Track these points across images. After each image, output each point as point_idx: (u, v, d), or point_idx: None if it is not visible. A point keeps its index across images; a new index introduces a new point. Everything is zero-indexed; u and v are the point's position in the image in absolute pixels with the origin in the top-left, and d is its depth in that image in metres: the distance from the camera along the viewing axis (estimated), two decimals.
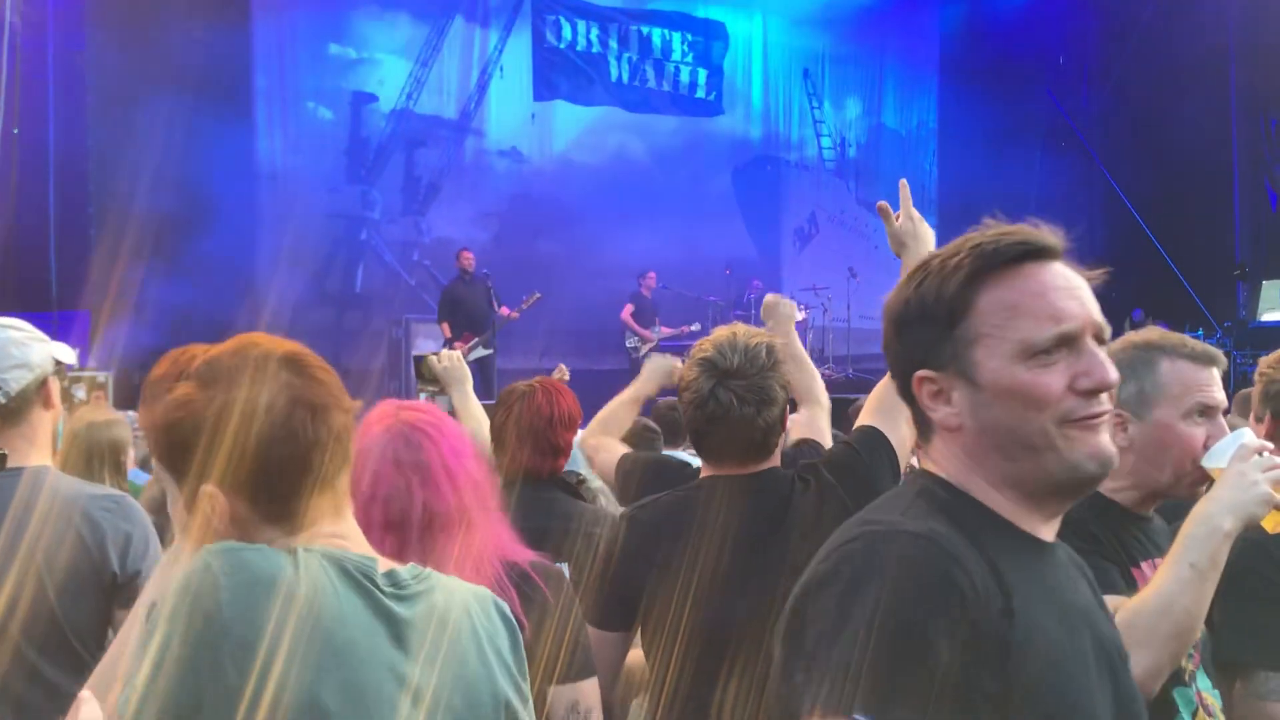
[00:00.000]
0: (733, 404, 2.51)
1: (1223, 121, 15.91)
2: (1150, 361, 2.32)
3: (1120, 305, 15.88)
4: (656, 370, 3.97)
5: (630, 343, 14.09)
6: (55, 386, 2.76)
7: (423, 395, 3.45)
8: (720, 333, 2.65)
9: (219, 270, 12.82)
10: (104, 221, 13.04)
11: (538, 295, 12.61)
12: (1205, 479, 2.23)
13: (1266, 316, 15.84)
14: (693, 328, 14.33)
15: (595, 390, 4.85)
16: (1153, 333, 2.39)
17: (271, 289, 14.52)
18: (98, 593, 2.58)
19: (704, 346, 2.62)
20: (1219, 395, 2.34)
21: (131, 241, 12.63)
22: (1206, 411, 2.30)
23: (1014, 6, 17.06)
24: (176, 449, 1.55)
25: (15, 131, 11.82)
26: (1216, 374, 2.36)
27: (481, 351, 12.45)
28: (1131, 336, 2.38)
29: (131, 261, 12.50)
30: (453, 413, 3.56)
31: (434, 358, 3.44)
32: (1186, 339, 2.39)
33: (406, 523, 1.98)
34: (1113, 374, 1.45)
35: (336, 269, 15.28)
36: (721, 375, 2.54)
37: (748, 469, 2.58)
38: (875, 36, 17.04)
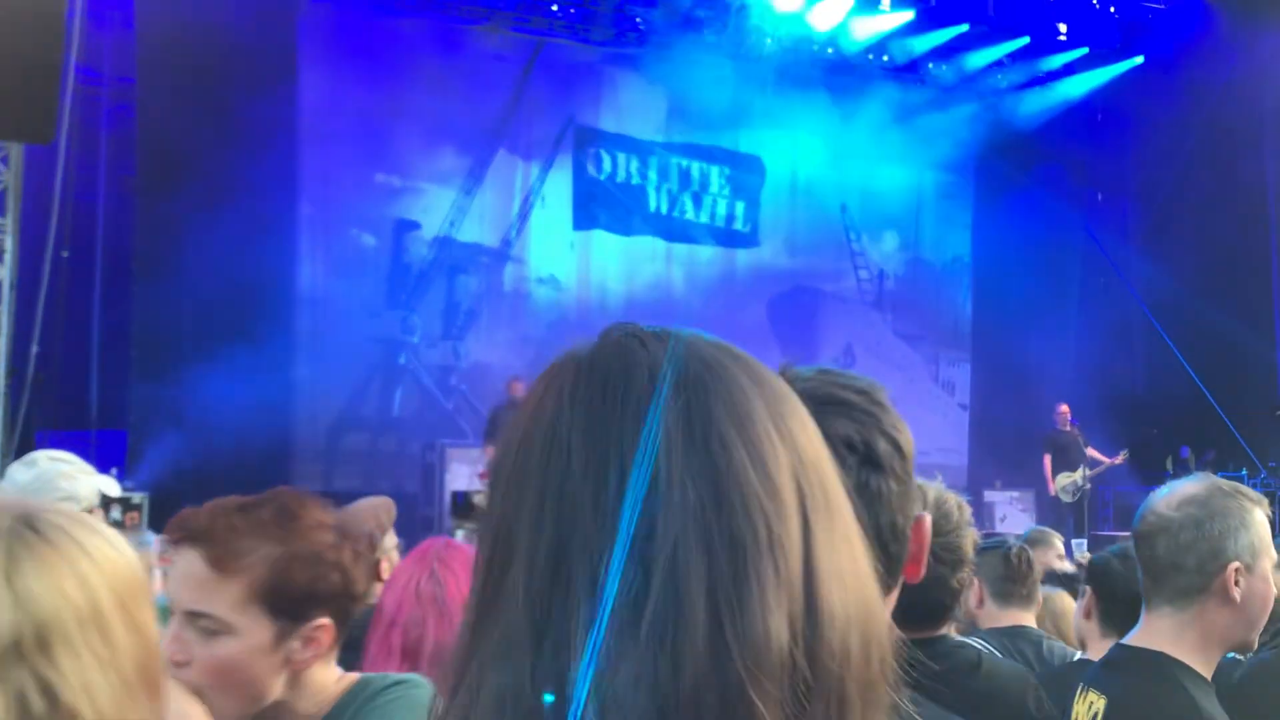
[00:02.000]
0: (930, 564, 2.23)
1: (1264, 259, 15.89)
2: (1251, 513, 2.21)
3: (1165, 444, 15.74)
4: None
5: None
6: (98, 519, 2.76)
7: (459, 533, 3.41)
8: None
9: (257, 392, 12.91)
10: (145, 343, 13.22)
11: None
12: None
13: None
14: None
15: None
16: (1216, 480, 2.29)
17: (309, 412, 14.62)
18: None
19: None
20: None
21: (172, 362, 12.80)
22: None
23: (1051, 145, 17.22)
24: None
25: (65, 254, 12.06)
26: None
27: None
28: (1212, 485, 2.26)
29: (171, 382, 12.64)
30: None
31: (480, 498, 3.43)
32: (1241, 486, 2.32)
33: (419, 652, 1.98)
34: None
35: (374, 392, 15.38)
36: None
37: (924, 633, 2.33)
38: (913, 170, 17.21)
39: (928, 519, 1.26)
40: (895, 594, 1.25)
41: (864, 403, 1.23)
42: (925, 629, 2.33)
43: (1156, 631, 2.22)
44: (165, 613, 4.33)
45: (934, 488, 2.39)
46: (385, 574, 3.07)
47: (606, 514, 0.74)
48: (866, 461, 1.20)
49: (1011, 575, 3.71)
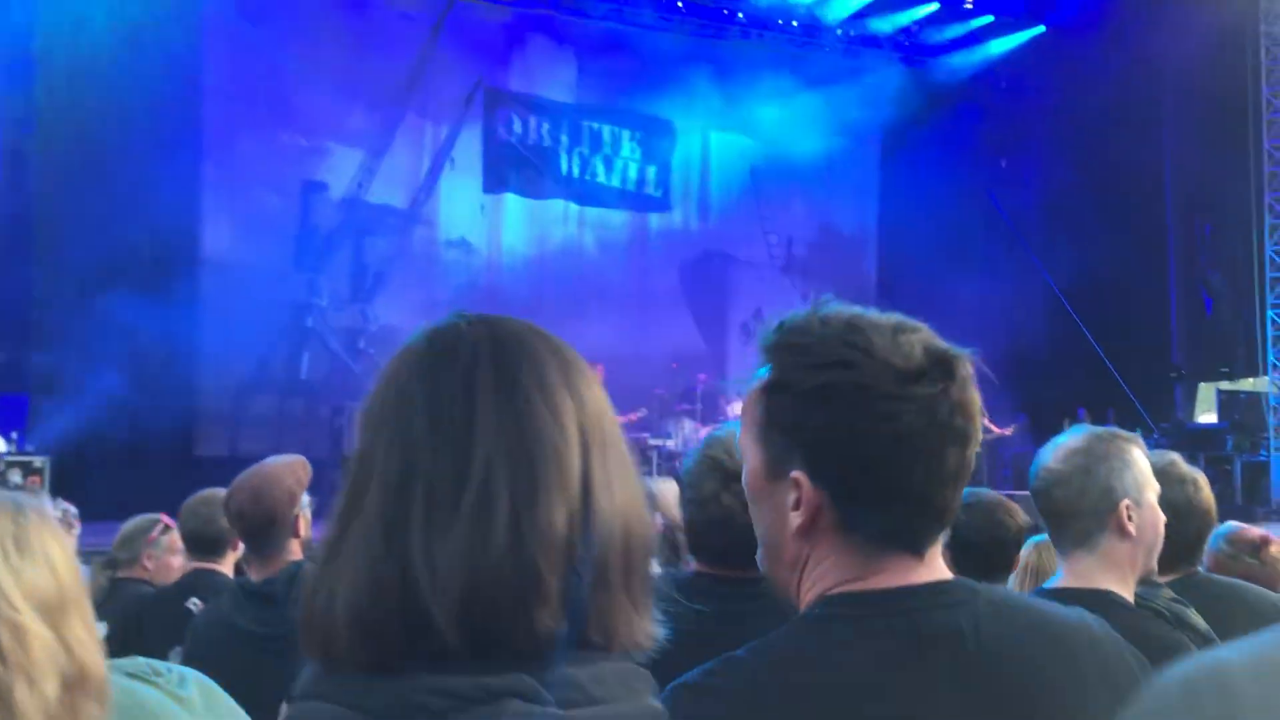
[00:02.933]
0: (735, 510, 2.22)
1: (1159, 228, 16.32)
2: (1129, 452, 2.44)
3: (1063, 406, 16.13)
4: None
5: None
6: None
7: None
8: (730, 429, 2.36)
9: (161, 356, 12.72)
10: (47, 307, 12.94)
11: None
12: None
13: (1203, 418, 16.12)
14: (639, 414, 14.38)
15: None
16: (1096, 428, 2.52)
17: (215, 376, 14.42)
18: None
19: (714, 445, 2.41)
20: None
21: (73, 326, 12.54)
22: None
23: (956, 112, 17.48)
24: None
25: None
26: None
27: None
28: (1093, 435, 2.47)
29: (73, 346, 12.39)
30: None
31: None
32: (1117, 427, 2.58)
33: None
34: None
35: (280, 356, 15.19)
36: (727, 477, 2.31)
37: (747, 573, 2.29)
38: (820, 137, 17.36)
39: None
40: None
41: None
42: (749, 569, 2.38)
43: (1077, 574, 2.42)
44: None
45: None
46: (303, 531, 3.07)
47: (440, 447, 1.04)
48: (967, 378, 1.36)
49: None
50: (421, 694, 0.97)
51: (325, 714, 1.00)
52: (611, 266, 16.76)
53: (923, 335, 1.36)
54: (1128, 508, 2.37)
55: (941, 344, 1.36)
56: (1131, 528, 2.37)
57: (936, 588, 1.32)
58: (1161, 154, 16.34)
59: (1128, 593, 2.41)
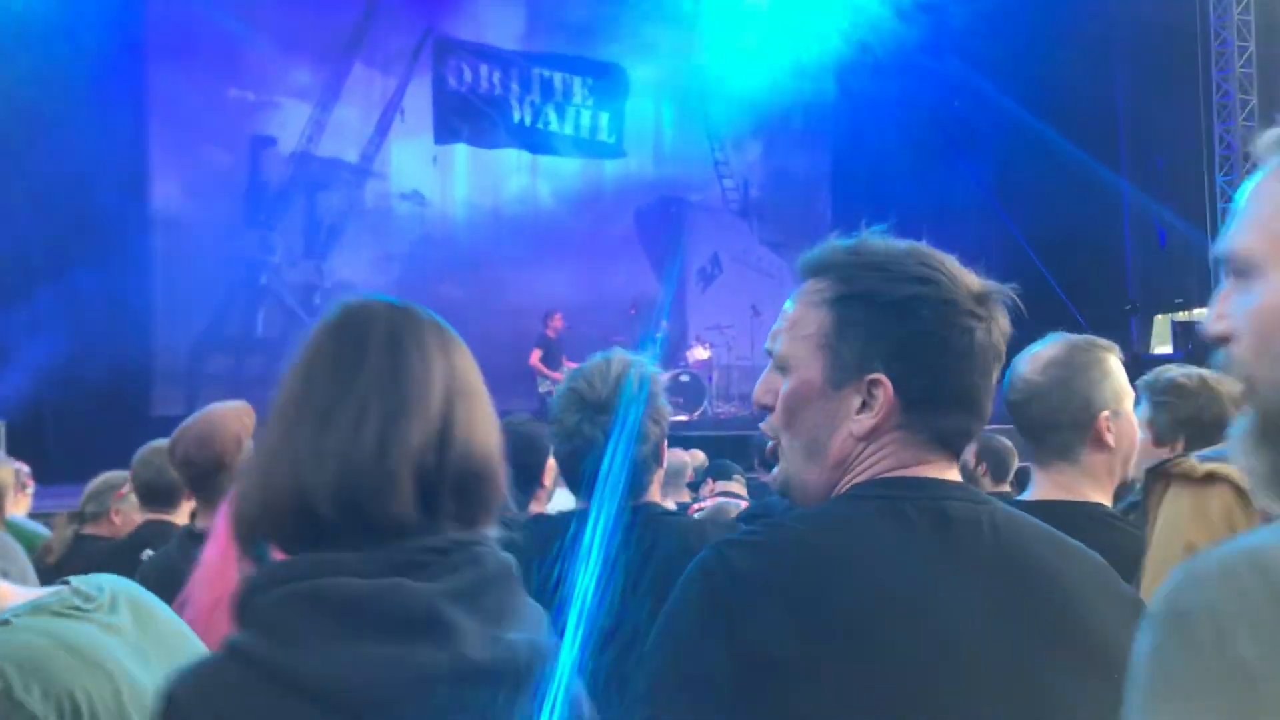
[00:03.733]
0: (598, 439, 2.35)
1: (1112, 160, 16.40)
2: (1106, 362, 2.49)
3: (1019, 342, 16.25)
4: None
5: (542, 387, 14.08)
6: None
7: None
8: (594, 362, 2.48)
9: (114, 316, 12.59)
10: None
11: None
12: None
13: (1158, 349, 16.30)
14: None
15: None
16: (1077, 339, 2.59)
17: (169, 335, 14.29)
18: None
19: (575, 379, 2.45)
20: None
21: (24, 287, 12.37)
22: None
23: (908, 51, 17.43)
24: None
25: None
26: None
27: None
28: (1067, 345, 2.55)
29: (23, 308, 12.23)
30: None
31: None
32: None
33: None
34: None
35: (236, 314, 15.06)
36: (589, 409, 2.38)
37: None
38: (773, 79, 17.28)
39: None
40: None
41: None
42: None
43: (1060, 485, 2.44)
44: (22, 533, 4.25)
45: (619, 364, 2.47)
46: None
47: (335, 382, 1.41)
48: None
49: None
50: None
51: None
52: (567, 215, 16.69)
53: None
54: (1107, 419, 2.39)
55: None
56: (1110, 439, 2.39)
57: (962, 487, 1.45)
58: (1113, 88, 16.41)
59: (1109, 502, 2.45)
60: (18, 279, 12.48)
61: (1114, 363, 2.46)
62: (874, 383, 1.43)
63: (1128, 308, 16.59)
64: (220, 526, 2.13)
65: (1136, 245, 16.74)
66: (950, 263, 1.51)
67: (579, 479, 2.42)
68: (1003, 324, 1.50)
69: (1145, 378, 3.13)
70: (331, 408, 1.38)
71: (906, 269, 1.47)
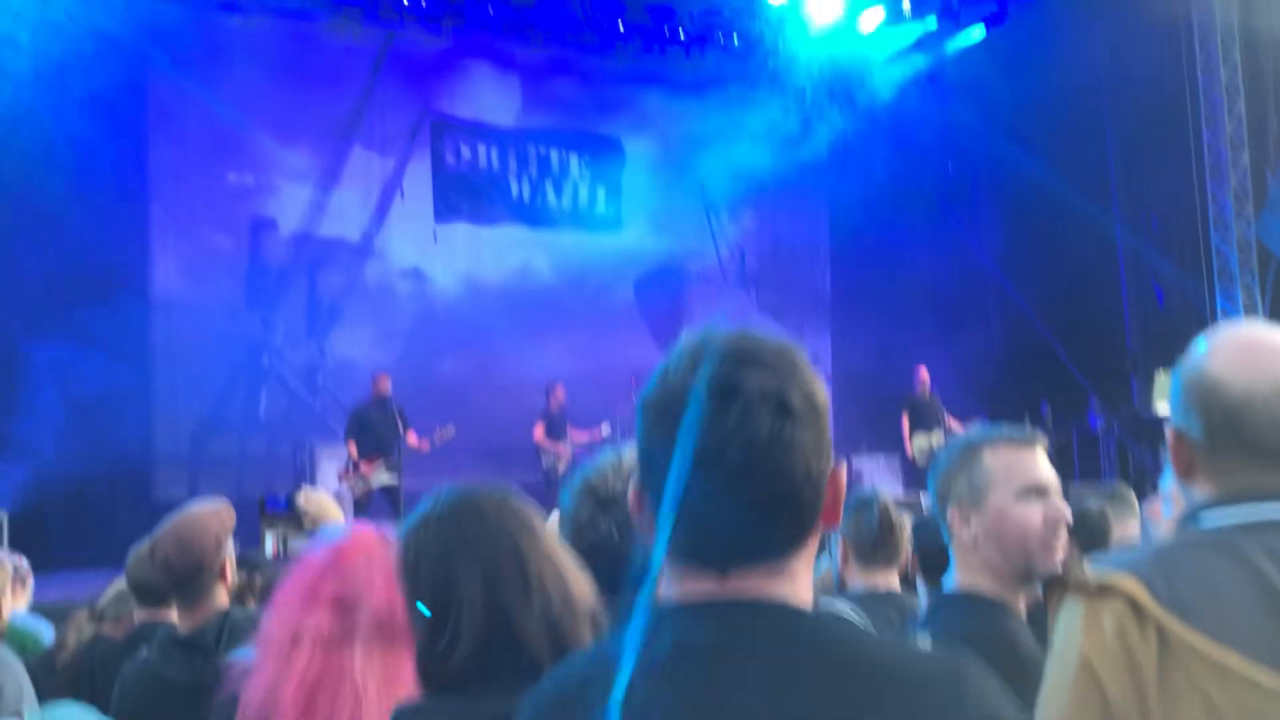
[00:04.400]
0: (612, 534, 2.32)
1: (1107, 221, 16.48)
2: (974, 455, 2.46)
3: (1023, 402, 16.25)
4: None
5: (546, 461, 14.08)
6: None
7: (269, 535, 3.31)
8: (606, 456, 2.46)
9: (116, 401, 12.59)
10: None
11: (452, 431, 12.53)
12: (1052, 556, 2.39)
13: (1160, 407, 16.26)
14: (604, 430, 14.39)
15: None
16: (972, 432, 2.57)
17: (171, 419, 14.30)
18: None
19: (588, 472, 2.43)
20: (1045, 473, 2.48)
21: (22, 375, 12.40)
22: (1037, 490, 2.44)
23: (903, 120, 17.60)
24: None
25: None
26: (1039, 454, 2.51)
27: (386, 478, 12.33)
28: (955, 442, 2.56)
29: (23, 394, 12.26)
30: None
31: (301, 498, 3.31)
32: (1002, 429, 2.55)
33: (358, 605, 2.01)
34: None
35: (238, 395, 15.07)
36: (602, 502, 2.35)
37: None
38: (769, 149, 17.43)
39: (843, 469, 1.35)
40: (816, 538, 1.36)
41: (779, 360, 1.32)
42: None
43: (953, 571, 2.52)
44: (24, 636, 4.22)
45: (631, 459, 2.37)
46: (229, 576, 3.02)
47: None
48: (780, 411, 1.29)
49: (873, 535, 3.78)
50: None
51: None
52: (566, 288, 16.75)
53: None
54: (957, 512, 2.48)
55: None
56: (965, 533, 2.47)
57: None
58: (1105, 148, 16.53)
59: (1003, 593, 2.50)
60: (17, 365, 12.52)
61: (986, 456, 2.48)
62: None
63: (1128, 366, 16.58)
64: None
65: (1134, 303, 16.77)
66: None
67: (595, 575, 2.26)
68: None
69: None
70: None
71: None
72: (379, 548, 2.07)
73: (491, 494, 1.90)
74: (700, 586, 1.31)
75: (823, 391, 1.35)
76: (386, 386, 12.76)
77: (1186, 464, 1.83)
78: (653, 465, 1.32)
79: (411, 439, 12.49)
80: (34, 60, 12.45)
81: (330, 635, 1.97)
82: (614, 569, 2.14)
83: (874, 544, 3.79)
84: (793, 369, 1.32)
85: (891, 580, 3.82)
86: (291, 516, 3.24)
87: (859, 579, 3.82)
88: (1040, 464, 2.49)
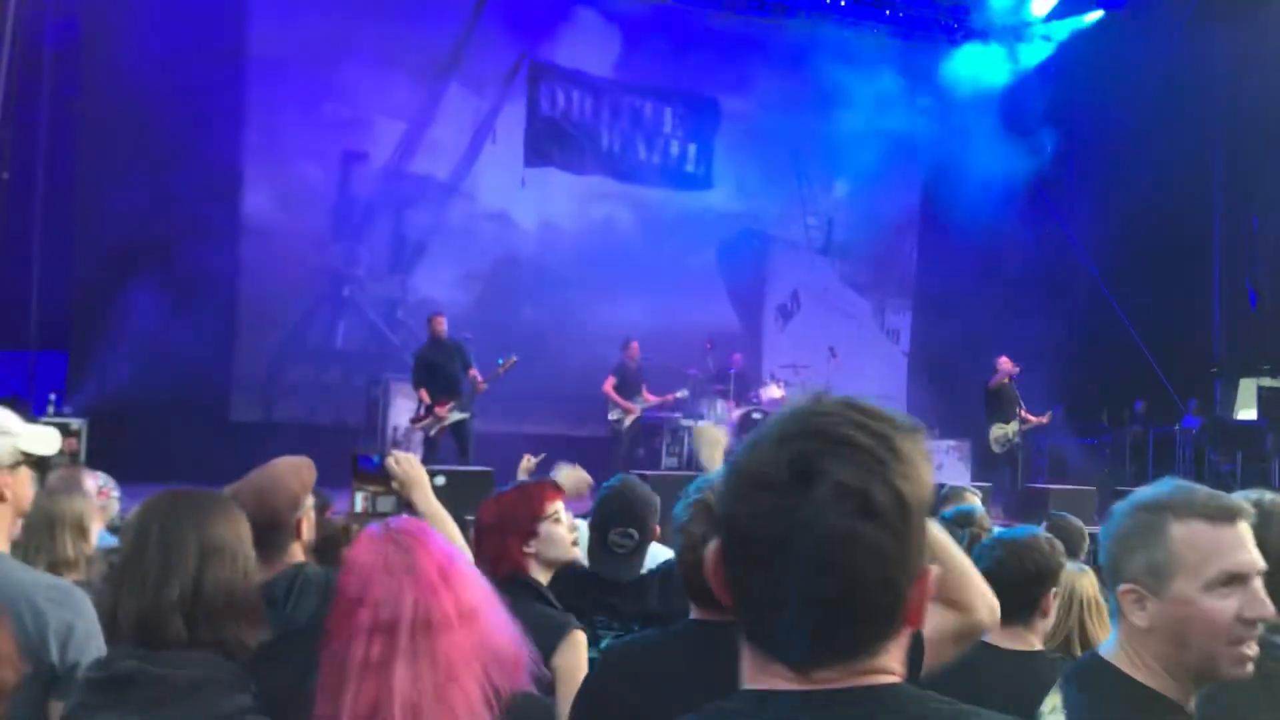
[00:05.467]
0: None
1: (1206, 220, 16.12)
2: (1159, 527, 2.03)
3: (1100, 398, 15.99)
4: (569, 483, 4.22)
5: (612, 415, 14.07)
6: (18, 479, 2.79)
7: (359, 495, 3.34)
8: (719, 475, 2.46)
9: (200, 323, 12.82)
10: (88, 266, 13.06)
11: (514, 359, 12.49)
12: (1244, 656, 1.98)
13: (1242, 414, 15.94)
14: (680, 394, 14.34)
15: (575, 458, 4.84)
16: (1161, 490, 2.08)
17: (251, 342, 14.52)
18: (34, 683, 2.54)
19: (704, 489, 2.44)
20: (1245, 557, 2.00)
21: (113, 288, 12.65)
22: (1234, 580, 1.99)
23: (999, 102, 17.30)
24: None
25: (4, 175, 11.84)
26: (1242, 531, 2.02)
27: (458, 416, 12.40)
28: (1138, 496, 2.10)
29: (113, 308, 12.50)
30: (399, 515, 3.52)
31: (391, 460, 3.34)
32: (1198, 493, 2.06)
33: (395, 626, 1.98)
34: None
35: (317, 324, 15.26)
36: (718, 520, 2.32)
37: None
38: (865, 118, 17.23)
39: (933, 572, 1.24)
40: (901, 635, 1.24)
41: (875, 447, 1.20)
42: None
43: (1111, 641, 2.14)
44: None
45: None
46: (305, 534, 3.05)
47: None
48: (862, 510, 1.17)
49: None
50: None
51: None
52: (649, 244, 16.70)
53: None
54: (1130, 594, 2.08)
55: None
56: (1140, 618, 2.06)
57: None
58: (1211, 146, 16.13)
59: (1165, 686, 2.11)
60: (110, 277, 12.77)
61: (1177, 531, 2.03)
62: None
63: (1214, 370, 16.25)
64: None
65: (1226, 306, 16.40)
66: None
67: (706, 590, 2.26)
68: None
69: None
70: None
71: None
72: (397, 553, 2.06)
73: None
74: (775, 675, 1.23)
75: (923, 487, 1.21)
76: (442, 326, 12.68)
77: None
78: (731, 532, 1.23)
79: (474, 375, 12.50)
80: None
81: (372, 663, 1.97)
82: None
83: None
84: (889, 460, 1.19)
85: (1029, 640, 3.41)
86: (381, 477, 3.28)
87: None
88: (1241, 545, 2.00)
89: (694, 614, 2.45)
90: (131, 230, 12.62)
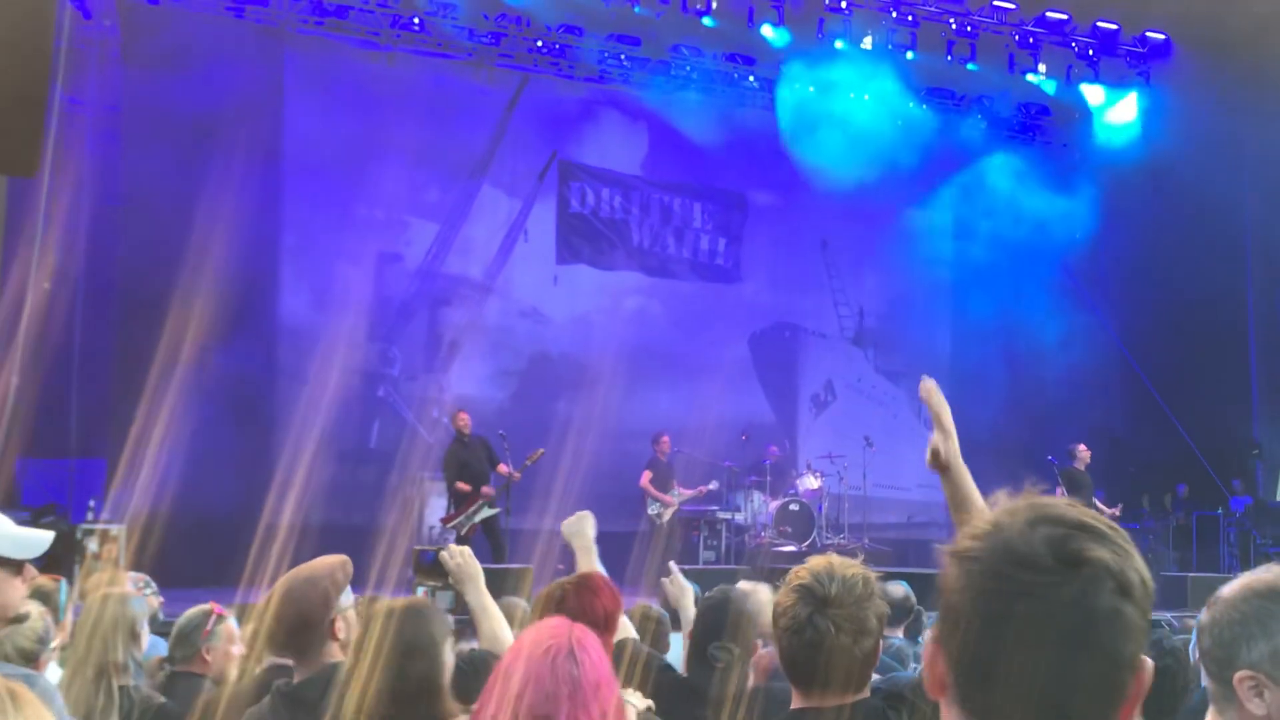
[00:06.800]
0: (830, 632, 2.50)
1: (1239, 299, 16.02)
2: (1278, 614, 1.99)
3: (1142, 482, 15.78)
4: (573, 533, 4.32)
5: (652, 509, 14.04)
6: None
7: (420, 590, 3.37)
8: (816, 561, 2.65)
9: (236, 425, 12.89)
10: (125, 374, 13.18)
11: (541, 452, 12.53)
12: None
13: None
14: (710, 486, 14.29)
15: (611, 552, 4.83)
16: (1276, 576, 2.05)
17: (287, 445, 14.56)
18: None
19: (800, 574, 2.62)
20: None
21: (151, 395, 12.74)
22: None
23: (1026, 186, 17.34)
24: None
25: (46, 286, 12.02)
26: None
27: (487, 512, 12.39)
28: (1252, 582, 2.05)
29: (150, 414, 12.58)
30: (453, 610, 3.53)
31: (446, 554, 3.37)
32: None
33: None
34: None
35: (352, 424, 15.30)
36: (819, 603, 2.53)
37: (845, 699, 2.54)
38: (892, 207, 17.30)
39: (1150, 665, 1.27)
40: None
41: (1118, 537, 1.26)
42: (846, 695, 2.54)
43: None
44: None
45: (841, 564, 2.62)
46: (340, 633, 3.04)
47: None
48: (1121, 590, 1.22)
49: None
50: None
51: None
52: (681, 337, 16.75)
53: None
54: (1248, 680, 2.01)
55: None
56: (1258, 706, 1.99)
57: None
58: (1243, 226, 16.09)
59: None
60: (145, 382, 12.88)
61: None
62: None
63: (1255, 452, 16.04)
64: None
65: (1263, 387, 16.23)
66: None
67: (810, 671, 2.54)
68: None
69: None
70: None
71: None
72: (566, 662, 2.07)
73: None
74: None
75: (1151, 580, 1.27)
76: (467, 423, 12.75)
77: None
78: (967, 622, 1.24)
79: (503, 470, 12.53)
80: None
81: None
82: (830, 664, 2.49)
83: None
84: (1130, 548, 1.25)
85: None
86: (437, 570, 3.32)
87: None
88: None
89: (796, 703, 2.58)
90: (169, 335, 12.75)
